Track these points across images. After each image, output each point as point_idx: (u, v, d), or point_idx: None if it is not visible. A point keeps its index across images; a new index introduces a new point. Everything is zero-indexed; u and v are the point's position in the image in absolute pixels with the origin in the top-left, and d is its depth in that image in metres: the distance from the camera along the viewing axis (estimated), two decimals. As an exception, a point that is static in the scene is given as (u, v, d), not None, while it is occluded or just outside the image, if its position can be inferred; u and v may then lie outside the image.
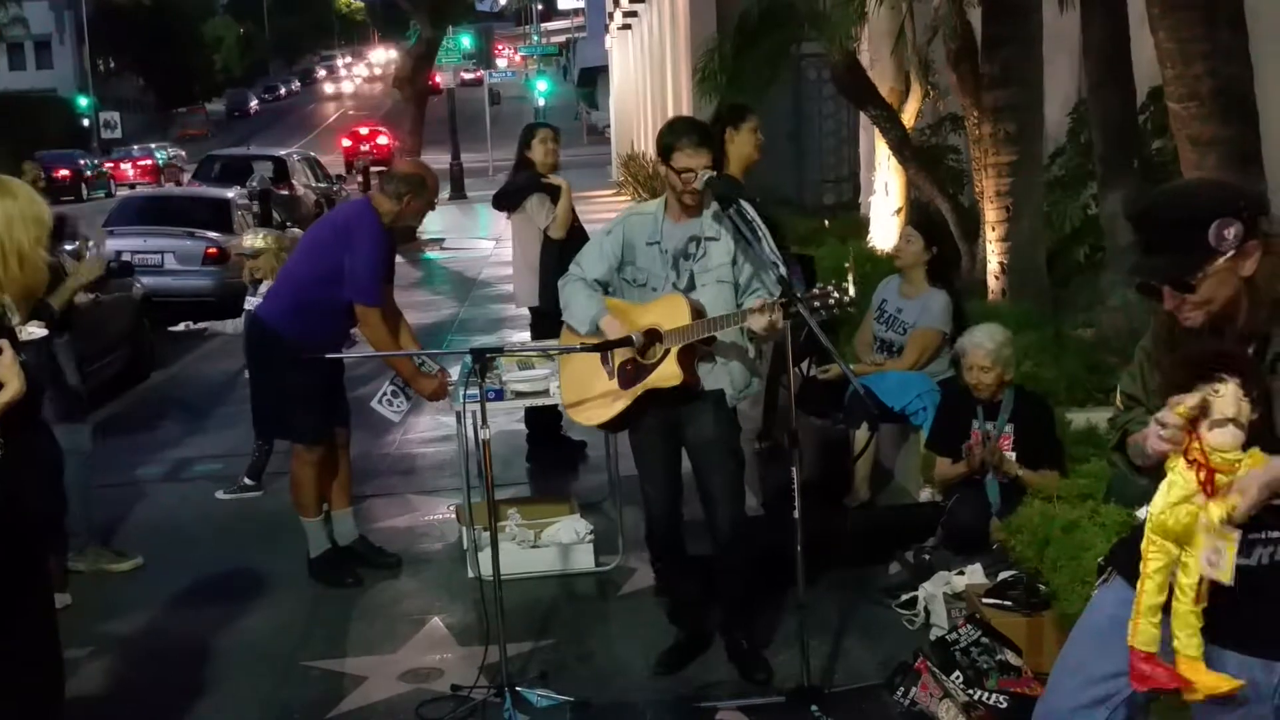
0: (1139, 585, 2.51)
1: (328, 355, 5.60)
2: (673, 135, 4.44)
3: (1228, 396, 2.37)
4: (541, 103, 51.81)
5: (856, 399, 5.96)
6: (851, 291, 4.11)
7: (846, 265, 6.28)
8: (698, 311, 4.36)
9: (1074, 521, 4.53)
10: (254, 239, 7.53)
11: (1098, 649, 2.71)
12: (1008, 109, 8.35)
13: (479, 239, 21.99)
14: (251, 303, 7.24)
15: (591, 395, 4.60)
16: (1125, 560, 2.70)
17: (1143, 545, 2.50)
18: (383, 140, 44.04)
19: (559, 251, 6.82)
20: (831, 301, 4.11)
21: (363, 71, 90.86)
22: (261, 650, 5.11)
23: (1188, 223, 2.53)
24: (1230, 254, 2.50)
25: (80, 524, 5.97)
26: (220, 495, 7.27)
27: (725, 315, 4.32)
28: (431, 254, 20.75)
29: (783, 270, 4.20)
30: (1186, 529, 2.42)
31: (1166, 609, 2.50)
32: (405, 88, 22.99)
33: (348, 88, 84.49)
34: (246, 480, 7.28)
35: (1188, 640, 2.47)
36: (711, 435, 4.53)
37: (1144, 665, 2.50)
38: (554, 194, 7.31)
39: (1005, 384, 5.38)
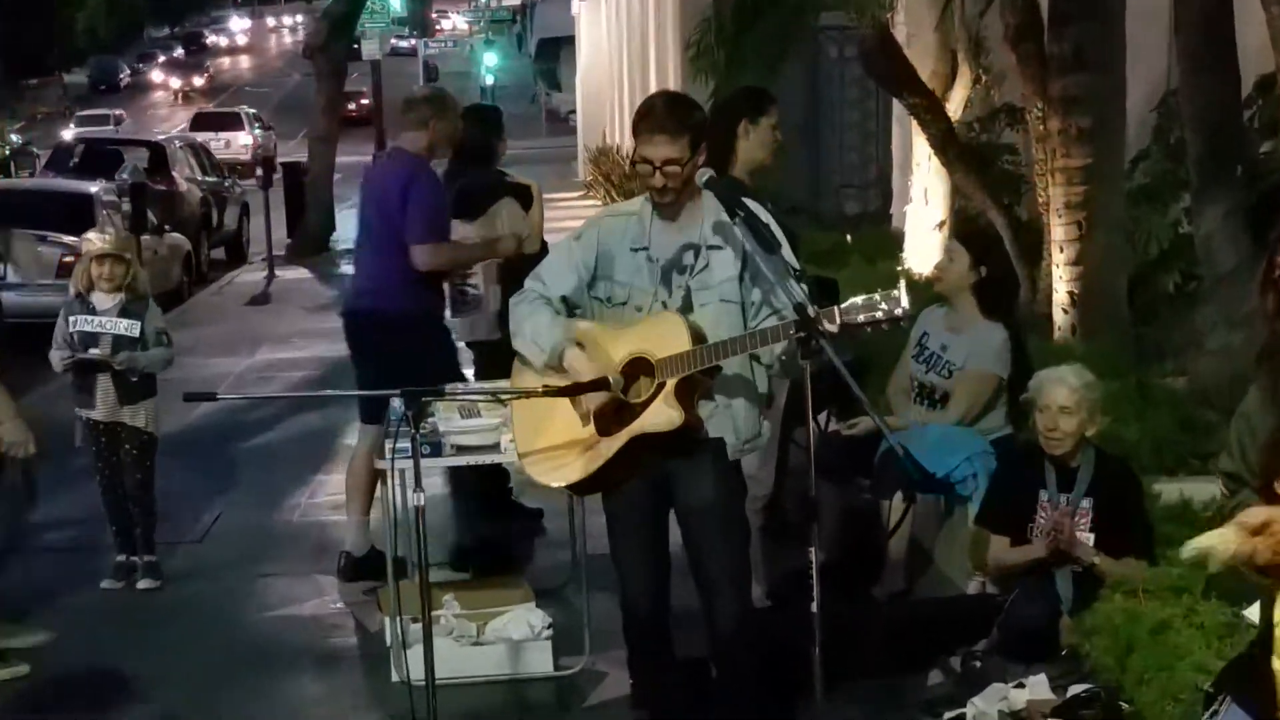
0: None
1: (217, 396, 5.69)
2: (641, 116, 4.47)
3: None
4: (490, 81, 51.99)
5: (890, 460, 5.93)
6: (905, 302, 4.08)
7: (900, 269, 6.27)
8: (697, 335, 4.34)
9: (1165, 622, 4.52)
10: (102, 238, 7.25)
11: None
12: (1081, 100, 8.39)
13: (408, 250, 21.97)
14: (102, 324, 6.85)
15: (557, 445, 4.57)
16: (1241, 683, 2.67)
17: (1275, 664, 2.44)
18: None
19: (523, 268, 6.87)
20: (880, 315, 4.08)
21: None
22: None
23: None
24: None
25: None
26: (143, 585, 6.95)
27: (735, 339, 4.31)
28: (348, 268, 20.67)
29: (801, 291, 4.19)
30: None
31: None
32: (317, 57, 22.89)
33: (241, 56, 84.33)
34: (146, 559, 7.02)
35: None
36: (711, 499, 4.51)
37: None
38: (522, 197, 7.32)
39: (1084, 442, 5.37)
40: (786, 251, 4.41)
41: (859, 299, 4.13)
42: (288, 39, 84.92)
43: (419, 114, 6.82)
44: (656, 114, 4.44)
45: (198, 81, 67.48)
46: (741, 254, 4.44)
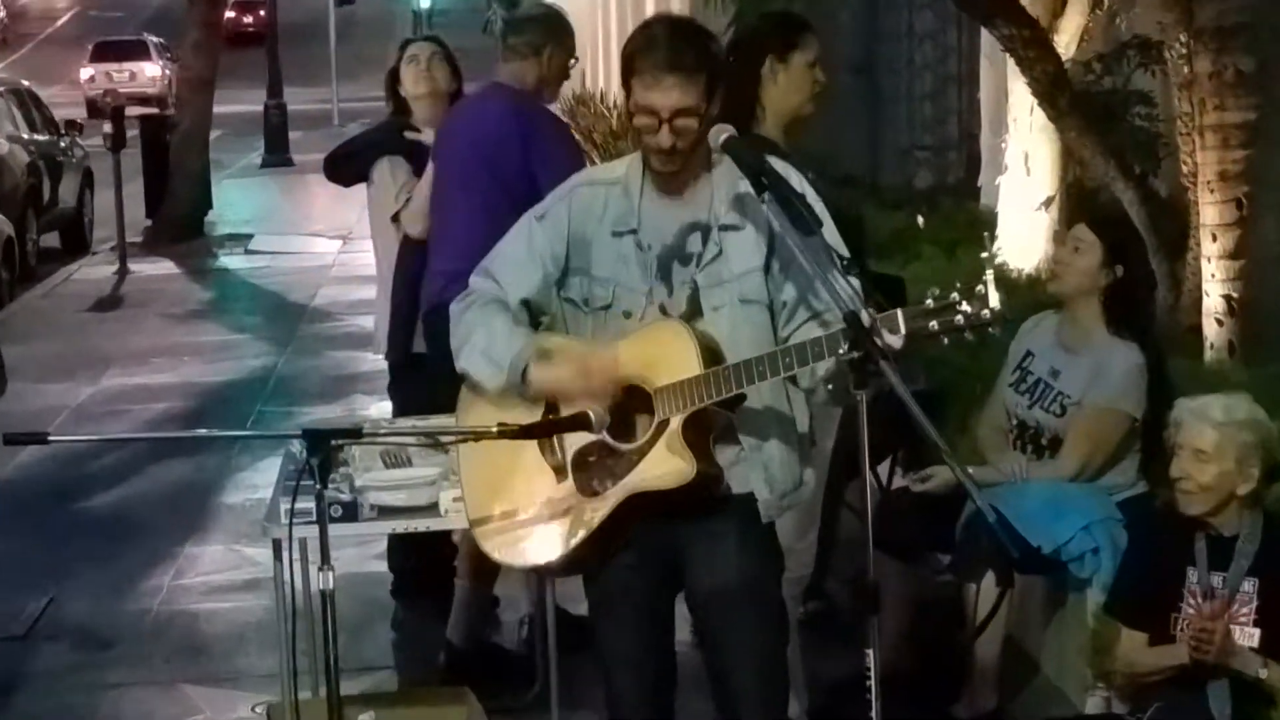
0: None
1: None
2: (640, 49, 4.46)
3: None
4: (425, 4, 52.21)
5: (978, 529, 5.94)
6: (995, 302, 4.08)
7: (984, 255, 6.28)
8: (710, 352, 4.35)
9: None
10: None
11: None
12: (1240, 31, 8.41)
13: (314, 236, 22.01)
14: None
15: (522, 509, 4.57)
16: None
17: None
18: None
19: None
20: (960, 320, 4.08)
21: None
22: None
23: None
24: None
25: None
26: None
27: (763, 357, 4.30)
28: (231, 260, 20.75)
29: (851, 287, 4.19)
30: None
31: None
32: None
33: None
34: None
35: None
36: (736, 578, 4.53)
37: None
38: (423, 156, 7.32)
39: (1240, 502, 5.36)
40: (830, 232, 4.40)
41: (929, 299, 4.13)
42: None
43: (529, 39, 6.94)
44: (662, 46, 4.42)
45: None
46: (768, 236, 4.43)
